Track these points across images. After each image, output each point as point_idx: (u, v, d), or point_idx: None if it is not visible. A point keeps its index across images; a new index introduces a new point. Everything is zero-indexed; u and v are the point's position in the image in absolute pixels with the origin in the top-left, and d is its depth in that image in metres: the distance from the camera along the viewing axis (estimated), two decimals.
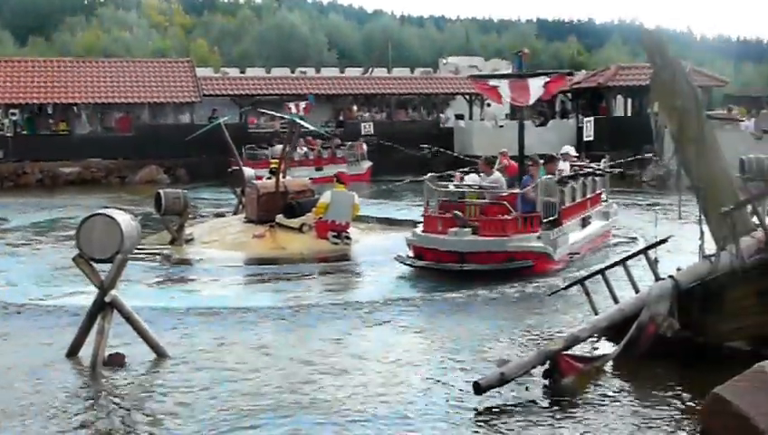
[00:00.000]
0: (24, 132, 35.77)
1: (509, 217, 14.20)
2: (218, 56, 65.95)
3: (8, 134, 34.97)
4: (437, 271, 14.23)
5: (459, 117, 41.11)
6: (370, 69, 46.75)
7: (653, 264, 10.49)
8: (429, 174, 15.55)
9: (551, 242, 14.40)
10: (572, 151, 17.73)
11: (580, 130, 37.32)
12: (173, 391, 8.71)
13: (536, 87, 15.36)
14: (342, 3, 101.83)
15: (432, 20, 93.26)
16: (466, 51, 65.41)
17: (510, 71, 49.43)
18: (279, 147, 31.03)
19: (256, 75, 42.57)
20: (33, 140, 35.21)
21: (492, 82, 15.98)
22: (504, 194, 14.64)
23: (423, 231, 14.81)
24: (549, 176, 15.09)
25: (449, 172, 16.90)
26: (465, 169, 16.66)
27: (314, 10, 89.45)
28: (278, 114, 27.32)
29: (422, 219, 15.07)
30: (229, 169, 23.18)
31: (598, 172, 17.02)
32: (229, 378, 9.05)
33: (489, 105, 42.71)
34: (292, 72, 45.28)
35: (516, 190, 14.64)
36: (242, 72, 44.60)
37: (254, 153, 32.41)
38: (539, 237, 14.27)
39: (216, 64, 55.04)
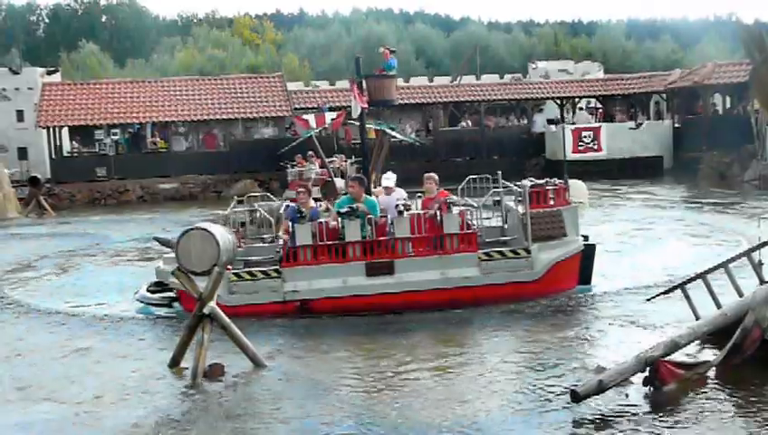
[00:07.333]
0: (125, 151, 37.11)
1: None
2: (309, 70, 66.94)
3: (110, 153, 36.35)
4: None
5: (551, 122, 40.60)
6: (459, 76, 46.61)
7: (757, 266, 10.13)
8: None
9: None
10: (391, 183, 13.77)
11: (676, 130, 36.45)
12: (268, 401, 8.86)
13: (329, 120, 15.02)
14: (429, 12, 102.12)
15: (520, 25, 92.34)
16: (556, 54, 64.59)
17: (600, 73, 48.30)
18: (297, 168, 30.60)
19: (346, 87, 42.94)
20: (134, 159, 36.48)
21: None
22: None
23: None
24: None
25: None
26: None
27: (401, 20, 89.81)
28: (369, 125, 27.43)
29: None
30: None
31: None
32: (322, 389, 9.15)
33: (582, 109, 42.07)
34: None
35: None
36: (331, 85, 45.11)
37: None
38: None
39: (306, 78, 55.86)
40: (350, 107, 14.68)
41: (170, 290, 13.32)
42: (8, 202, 31.15)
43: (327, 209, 13.42)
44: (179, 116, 36.94)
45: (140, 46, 79.31)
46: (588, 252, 13.51)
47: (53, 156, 36.39)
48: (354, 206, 12.83)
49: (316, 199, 15.72)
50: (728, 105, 37.60)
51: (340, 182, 21.75)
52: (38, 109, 36.32)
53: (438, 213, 12.83)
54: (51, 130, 36.18)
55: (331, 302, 12.55)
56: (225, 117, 37.21)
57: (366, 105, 14.28)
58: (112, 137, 37.05)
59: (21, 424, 8.46)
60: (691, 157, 33.50)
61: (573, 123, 38.86)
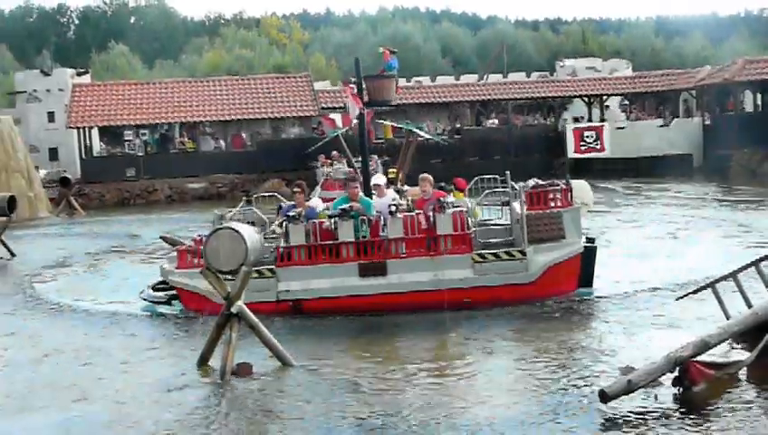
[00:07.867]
0: (154, 151, 37.42)
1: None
2: (335, 69, 67.10)
3: (139, 153, 36.69)
4: None
5: (577, 120, 40.41)
6: (486, 75, 46.51)
7: None
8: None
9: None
10: (381, 182, 13.89)
11: (706, 128, 36.09)
12: (297, 399, 8.90)
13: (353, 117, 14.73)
14: (455, 11, 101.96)
15: (547, 23, 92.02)
16: (584, 52, 64.20)
17: (629, 70, 48.05)
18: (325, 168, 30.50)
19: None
20: (162, 159, 36.78)
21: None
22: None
23: None
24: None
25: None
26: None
27: (428, 19, 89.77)
28: (397, 124, 27.46)
29: None
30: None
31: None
32: (348, 387, 9.18)
33: (608, 107, 41.78)
34: (408, 81, 45.53)
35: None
36: None
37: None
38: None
39: (333, 77, 55.98)
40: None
41: (172, 288, 13.45)
42: (39, 202, 31.57)
43: (328, 209, 13.41)
44: (207, 116, 37.20)
45: (169, 47, 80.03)
46: (588, 254, 13.08)
47: (84, 156, 36.80)
48: (347, 206, 12.81)
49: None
50: (759, 102, 37.18)
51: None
52: (68, 110, 36.76)
53: (432, 214, 12.68)
54: (81, 130, 36.60)
55: (324, 302, 12.51)
56: (252, 117, 37.42)
57: (362, 107, 14.32)
58: (141, 137, 37.42)
59: (57, 426, 8.53)
60: (721, 154, 33.18)
61: (605, 121, 38.58)
